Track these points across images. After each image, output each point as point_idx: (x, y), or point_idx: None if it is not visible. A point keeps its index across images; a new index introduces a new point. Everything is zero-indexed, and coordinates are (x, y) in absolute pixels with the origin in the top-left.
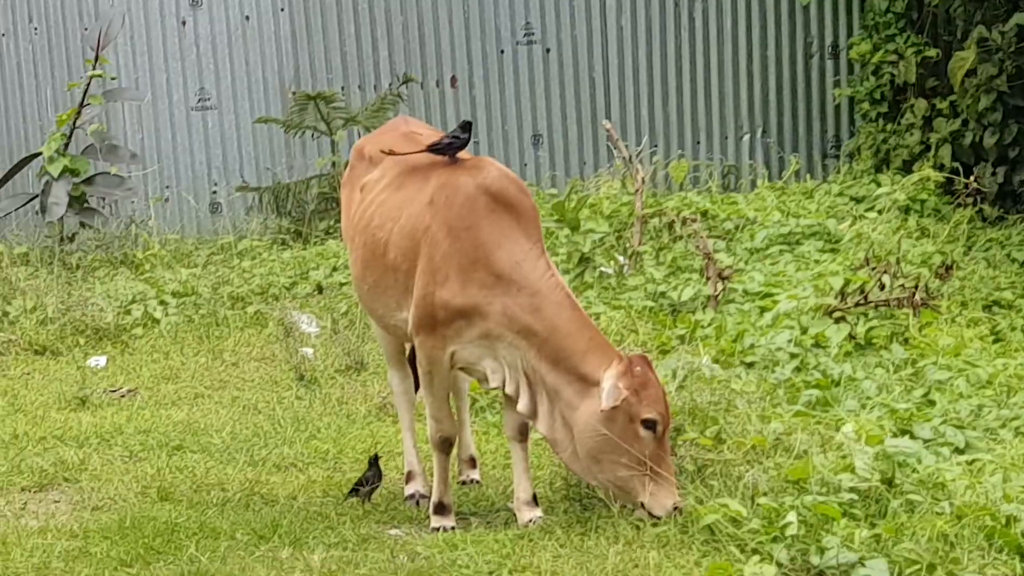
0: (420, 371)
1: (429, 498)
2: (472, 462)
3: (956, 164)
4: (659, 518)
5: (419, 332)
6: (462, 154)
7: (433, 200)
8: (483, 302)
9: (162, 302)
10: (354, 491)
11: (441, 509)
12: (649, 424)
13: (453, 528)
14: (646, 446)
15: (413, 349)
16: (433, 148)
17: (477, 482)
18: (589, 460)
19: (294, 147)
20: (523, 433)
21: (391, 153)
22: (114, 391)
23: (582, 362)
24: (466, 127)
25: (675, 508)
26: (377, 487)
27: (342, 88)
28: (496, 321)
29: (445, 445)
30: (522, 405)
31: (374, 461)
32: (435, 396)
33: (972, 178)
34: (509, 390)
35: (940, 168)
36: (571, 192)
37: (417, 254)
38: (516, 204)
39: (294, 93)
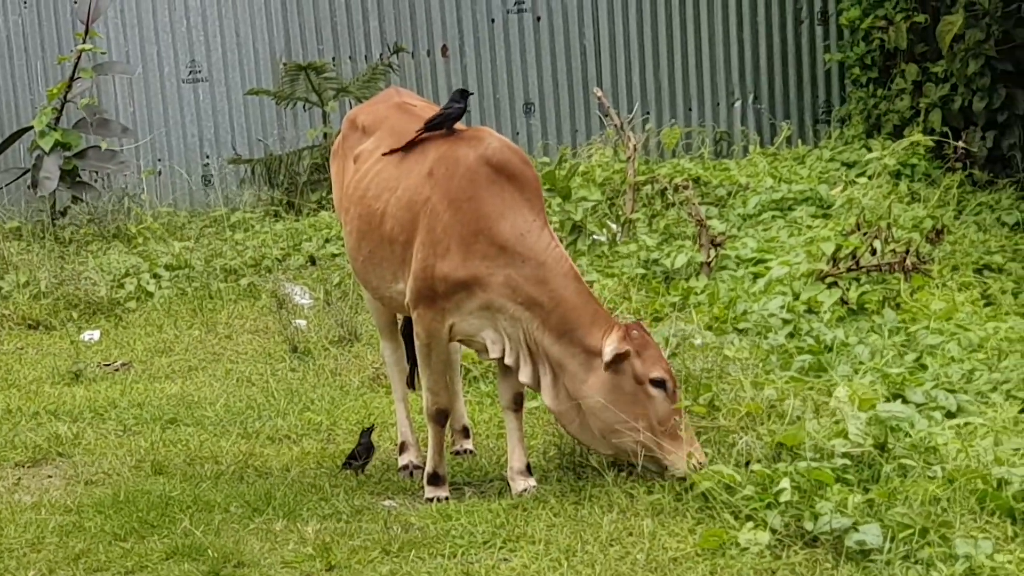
0: (417, 343)
1: (423, 469)
2: (465, 432)
3: (946, 129)
4: (683, 477)
5: (418, 304)
6: (458, 125)
7: (432, 172)
8: (485, 273)
9: (155, 275)
10: (347, 464)
11: (435, 480)
12: (658, 383)
13: (447, 499)
14: (660, 406)
15: (406, 320)
16: (430, 124)
17: (471, 452)
18: (605, 431)
19: (286, 118)
20: (518, 403)
21: (391, 153)
22: (108, 365)
23: (587, 334)
24: (462, 95)
25: (699, 464)
26: (370, 459)
27: (333, 59)
28: (498, 292)
29: (440, 417)
30: (524, 376)
31: (367, 433)
32: (432, 369)
33: (960, 142)
34: (509, 361)
35: (930, 133)
36: (562, 160)
37: (415, 226)
38: (519, 175)
39: (285, 64)
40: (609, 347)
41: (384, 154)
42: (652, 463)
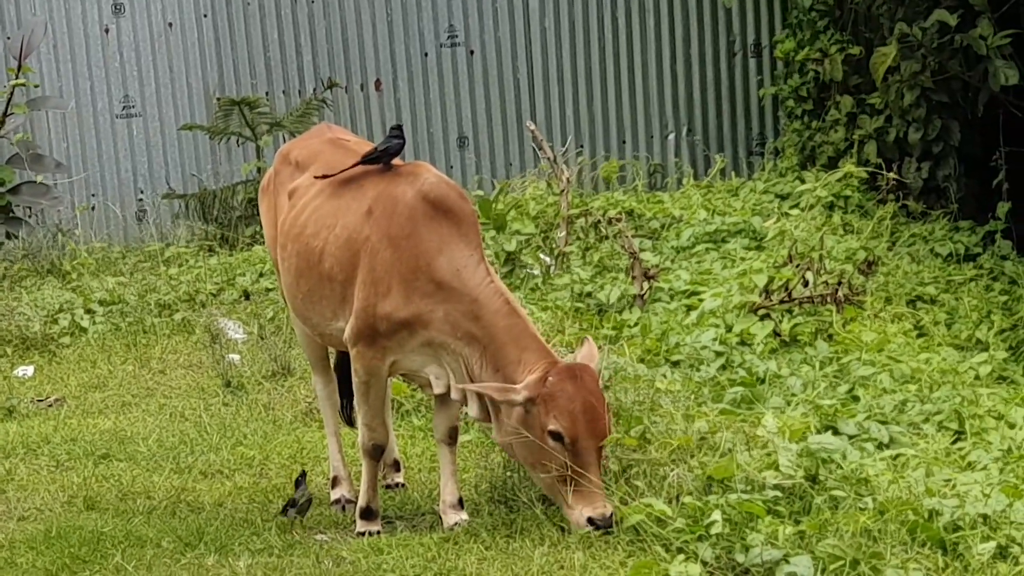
0: (356, 381)
1: (355, 503)
2: (396, 466)
3: (880, 160)
4: (581, 529)
5: (357, 342)
6: (396, 160)
7: (371, 210)
8: (426, 311)
9: (89, 310)
10: (285, 511)
11: (368, 514)
12: (554, 435)
13: (379, 533)
14: (556, 457)
15: (340, 355)
16: (367, 159)
17: (402, 486)
18: (525, 465)
19: (220, 153)
20: (452, 436)
21: (324, 177)
22: (41, 400)
23: (516, 371)
24: (398, 131)
25: (591, 522)
26: (309, 505)
27: (266, 93)
28: (438, 329)
29: (376, 452)
30: (473, 411)
31: (301, 479)
32: (371, 406)
33: (892, 174)
34: (455, 396)
35: (865, 164)
36: (500, 193)
37: (355, 265)
38: (456, 210)
39: (219, 99)
40: (520, 392)
41: (316, 178)
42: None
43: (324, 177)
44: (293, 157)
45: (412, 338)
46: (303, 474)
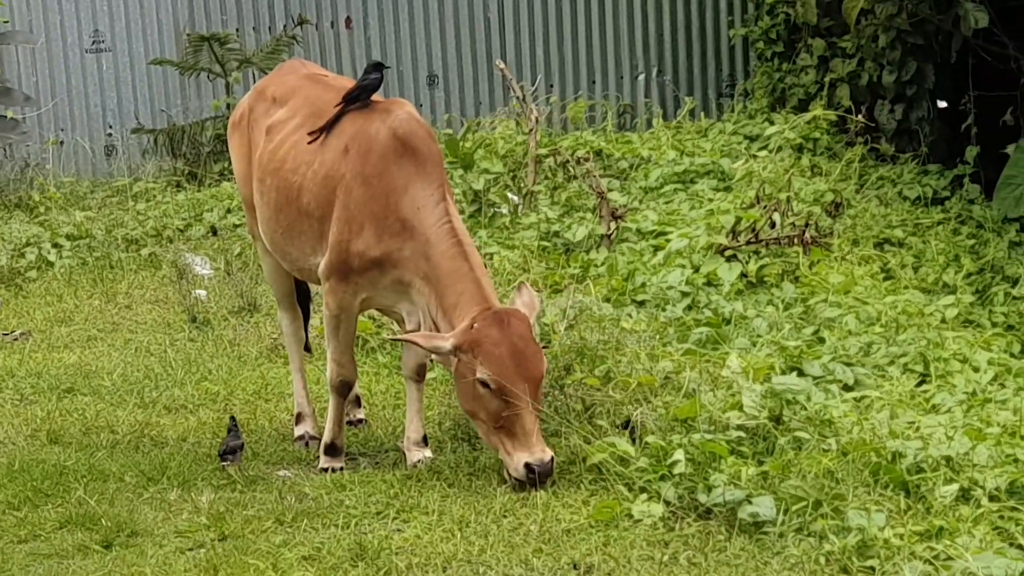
0: (327, 315)
1: (319, 440)
2: (357, 401)
3: (851, 104)
4: (516, 479)
5: (330, 277)
6: (376, 96)
7: (348, 148)
8: (395, 249)
9: (56, 245)
10: (223, 458)
11: (332, 450)
12: (483, 383)
13: (342, 469)
14: (489, 403)
15: (303, 290)
16: (348, 98)
17: (363, 421)
18: (466, 415)
19: (189, 89)
20: (420, 374)
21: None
22: (7, 334)
23: (455, 315)
24: (377, 67)
25: (528, 468)
26: (243, 449)
27: (237, 30)
28: (406, 267)
29: (344, 388)
30: (406, 356)
31: (233, 426)
32: (340, 341)
33: (861, 116)
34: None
35: (837, 107)
36: (467, 132)
37: (332, 201)
38: (421, 149)
39: (188, 35)
40: (447, 341)
41: (310, 134)
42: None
43: (315, 134)
44: (270, 93)
45: (383, 276)
46: (233, 419)
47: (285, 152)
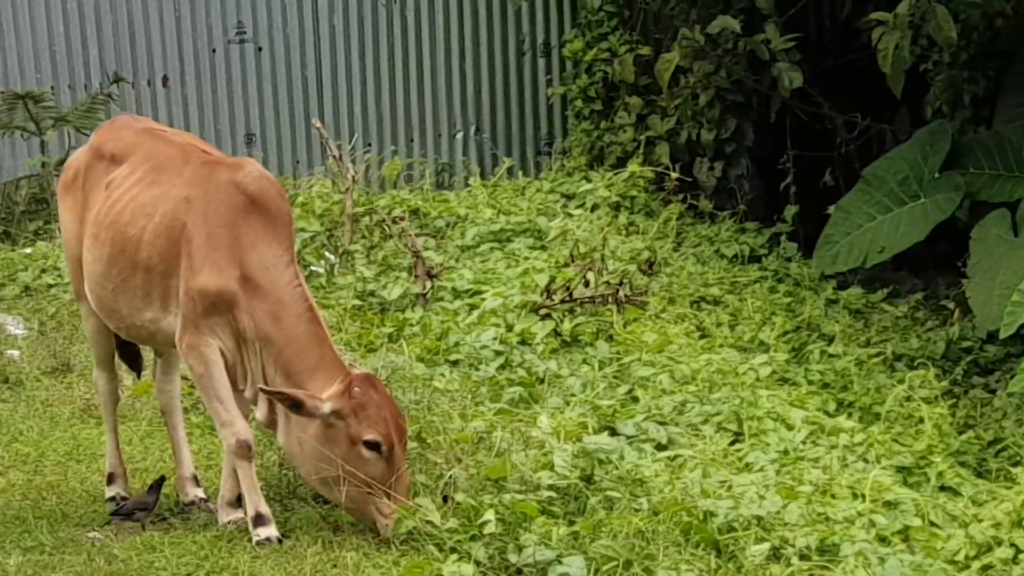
0: (196, 378)
1: (128, 499)
2: (195, 480)
3: (669, 162)
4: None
5: (186, 332)
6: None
7: (189, 198)
8: (235, 293)
9: None
10: (129, 514)
11: (260, 520)
12: (371, 445)
13: (280, 539)
14: (373, 467)
15: (121, 344)
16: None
17: (204, 500)
18: (321, 483)
19: (3, 147)
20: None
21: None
22: None
23: (310, 379)
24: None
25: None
26: (152, 511)
27: (52, 87)
28: (244, 323)
29: (245, 450)
30: (260, 414)
31: (158, 485)
32: (220, 398)
33: (675, 174)
34: (248, 395)
35: (656, 165)
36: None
37: (173, 254)
38: (272, 208)
39: (2, 93)
40: (325, 404)
41: None
42: (363, 519)
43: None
44: (107, 150)
45: (225, 326)
46: (161, 479)
47: (123, 206)
